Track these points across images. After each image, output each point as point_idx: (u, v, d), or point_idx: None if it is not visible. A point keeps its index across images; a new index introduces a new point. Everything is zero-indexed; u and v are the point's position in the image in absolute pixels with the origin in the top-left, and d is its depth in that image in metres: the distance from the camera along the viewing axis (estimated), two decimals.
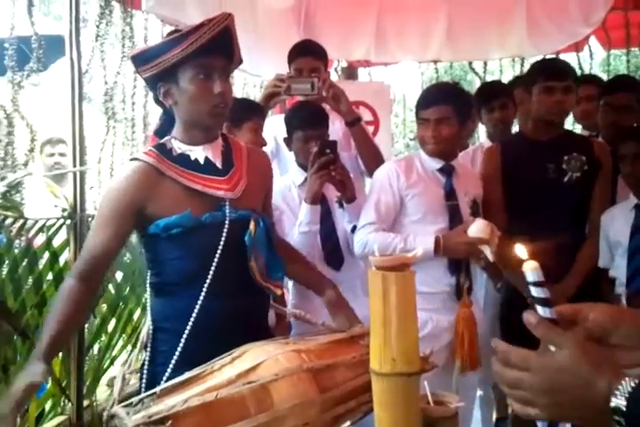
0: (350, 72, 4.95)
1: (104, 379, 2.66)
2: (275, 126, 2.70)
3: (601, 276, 2.55)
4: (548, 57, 3.91)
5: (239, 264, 1.62)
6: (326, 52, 2.82)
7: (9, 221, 2.23)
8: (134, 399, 1.26)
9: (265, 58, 3.65)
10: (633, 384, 0.69)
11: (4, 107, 2.74)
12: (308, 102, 2.54)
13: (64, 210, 2.36)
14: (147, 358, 1.65)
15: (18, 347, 2.20)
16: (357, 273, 2.33)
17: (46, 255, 2.35)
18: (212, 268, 1.59)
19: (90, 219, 2.41)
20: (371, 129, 3.69)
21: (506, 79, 4.23)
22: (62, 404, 2.42)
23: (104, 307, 2.63)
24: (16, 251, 2.26)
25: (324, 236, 2.37)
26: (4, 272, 2.20)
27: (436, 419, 1.26)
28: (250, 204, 1.68)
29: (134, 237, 1.70)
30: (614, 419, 0.70)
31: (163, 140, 1.70)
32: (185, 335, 1.56)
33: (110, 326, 2.66)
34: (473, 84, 7.07)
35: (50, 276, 2.35)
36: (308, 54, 2.72)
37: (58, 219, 2.36)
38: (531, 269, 0.81)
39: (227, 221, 1.61)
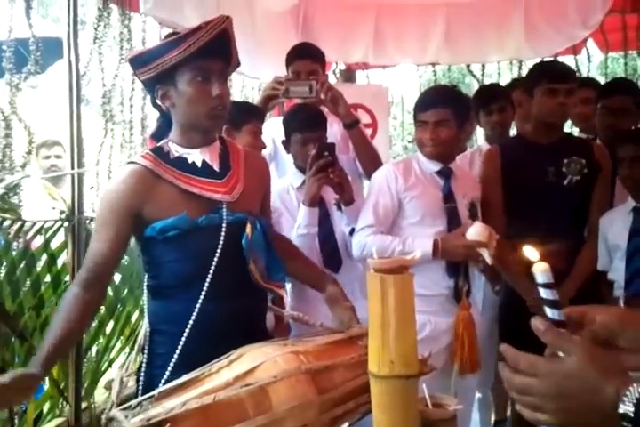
0: (348, 75, 4.95)
1: (102, 381, 2.66)
2: (273, 129, 2.70)
3: (600, 278, 2.55)
4: (546, 59, 3.92)
5: (237, 267, 1.62)
6: (324, 55, 2.82)
7: (7, 223, 2.23)
8: (132, 402, 1.26)
9: (263, 60, 3.65)
10: None
11: (1, 109, 2.74)
12: (307, 105, 2.54)
13: (62, 212, 2.36)
14: (144, 361, 1.64)
15: (16, 349, 2.20)
16: (356, 275, 2.33)
17: (44, 257, 2.35)
18: (211, 270, 1.59)
19: (88, 221, 2.41)
20: (369, 131, 3.70)
21: (504, 82, 4.23)
22: (60, 406, 2.41)
23: (102, 309, 2.63)
24: (14, 253, 2.26)
25: (323, 238, 2.37)
26: (2, 274, 2.20)
27: (435, 421, 1.26)
28: (247, 206, 1.68)
29: (132, 240, 1.71)
30: (622, 425, 0.70)
31: (160, 144, 1.69)
32: (184, 338, 1.56)
33: (108, 329, 2.66)
34: (471, 87, 7.07)
35: (48, 278, 2.35)
36: (305, 57, 2.72)
37: (56, 221, 2.36)
38: (540, 271, 0.81)
39: (224, 224, 1.61)
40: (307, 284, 1.92)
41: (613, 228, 2.49)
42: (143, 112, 3.48)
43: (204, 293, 1.58)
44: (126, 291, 2.70)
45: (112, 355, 2.70)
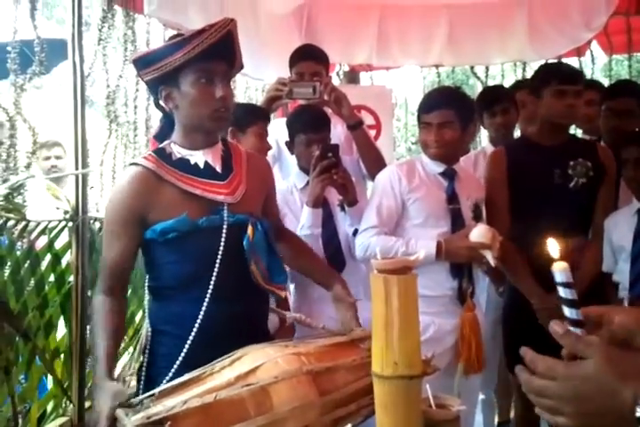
0: (352, 76, 4.95)
1: None
2: (277, 130, 2.70)
3: (605, 280, 2.55)
4: (550, 61, 3.92)
5: (239, 268, 1.62)
6: (328, 57, 2.82)
7: (11, 223, 2.23)
8: (134, 400, 1.26)
9: (267, 62, 3.66)
10: None
11: (6, 109, 2.75)
12: (310, 106, 2.54)
13: (66, 212, 2.36)
14: (145, 361, 1.65)
15: (20, 348, 2.20)
16: (359, 276, 2.33)
17: (48, 257, 2.36)
18: (214, 272, 1.59)
19: (92, 221, 2.41)
20: (372, 133, 3.70)
21: (508, 84, 4.23)
22: (64, 405, 2.42)
23: None
24: (18, 253, 2.26)
25: (326, 239, 2.37)
26: (7, 274, 2.20)
27: (438, 422, 1.26)
28: (249, 208, 1.68)
29: None
30: None
31: (162, 145, 1.70)
32: (190, 339, 1.56)
33: None
34: (475, 89, 7.07)
35: (52, 278, 2.36)
36: (309, 58, 2.73)
37: (60, 221, 2.36)
38: (560, 270, 0.81)
39: (225, 226, 1.61)
40: (314, 280, 1.92)
41: (618, 229, 2.49)
42: (147, 113, 3.49)
43: (208, 294, 1.58)
44: (130, 291, 2.69)
45: None
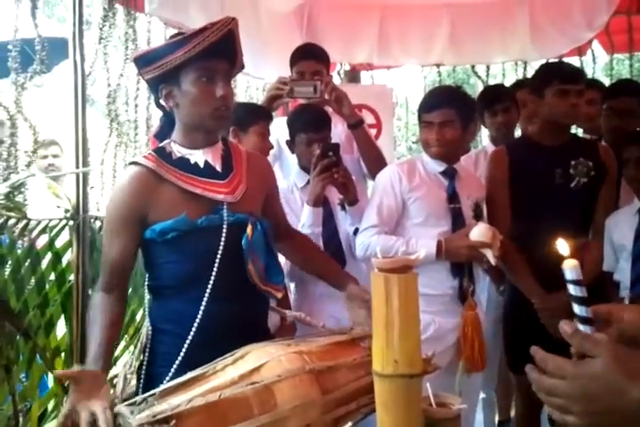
0: (353, 75, 4.95)
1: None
2: (277, 129, 2.70)
3: (606, 279, 2.55)
4: (551, 60, 3.91)
5: (238, 268, 1.61)
6: (328, 56, 2.82)
7: (12, 221, 2.24)
8: (138, 398, 1.26)
9: (267, 61, 3.66)
10: None
11: (7, 108, 2.75)
12: (311, 105, 2.54)
13: (67, 211, 2.36)
14: (145, 359, 1.65)
15: (20, 347, 2.21)
16: (360, 275, 2.32)
17: (49, 256, 2.36)
18: (214, 271, 1.59)
19: (92, 220, 2.41)
20: (373, 132, 3.70)
21: (508, 83, 4.23)
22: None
23: None
24: (19, 251, 2.27)
25: (327, 238, 2.37)
26: (7, 272, 2.21)
27: (439, 421, 1.26)
28: (248, 207, 1.67)
29: None
30: None
31: (162, 144, 1.69)
32: (189, 338, 1.56)
33: None
34: (475, 88, 7.08)
35: (52, 276, 2.36)
36: (310, 57, 2.72)
37: (60, 220, 2.36)
38: (570, 268, 0.81)
39: (224, 225, 1.61)
40: (326, 281, 1.92)
41: (619, 229, 2.49)
42: (148, 112, 3.49)
43: (207, 293, 1.58)
44: (130, 290, 2.69)
45: (116, 353, 2.70)
